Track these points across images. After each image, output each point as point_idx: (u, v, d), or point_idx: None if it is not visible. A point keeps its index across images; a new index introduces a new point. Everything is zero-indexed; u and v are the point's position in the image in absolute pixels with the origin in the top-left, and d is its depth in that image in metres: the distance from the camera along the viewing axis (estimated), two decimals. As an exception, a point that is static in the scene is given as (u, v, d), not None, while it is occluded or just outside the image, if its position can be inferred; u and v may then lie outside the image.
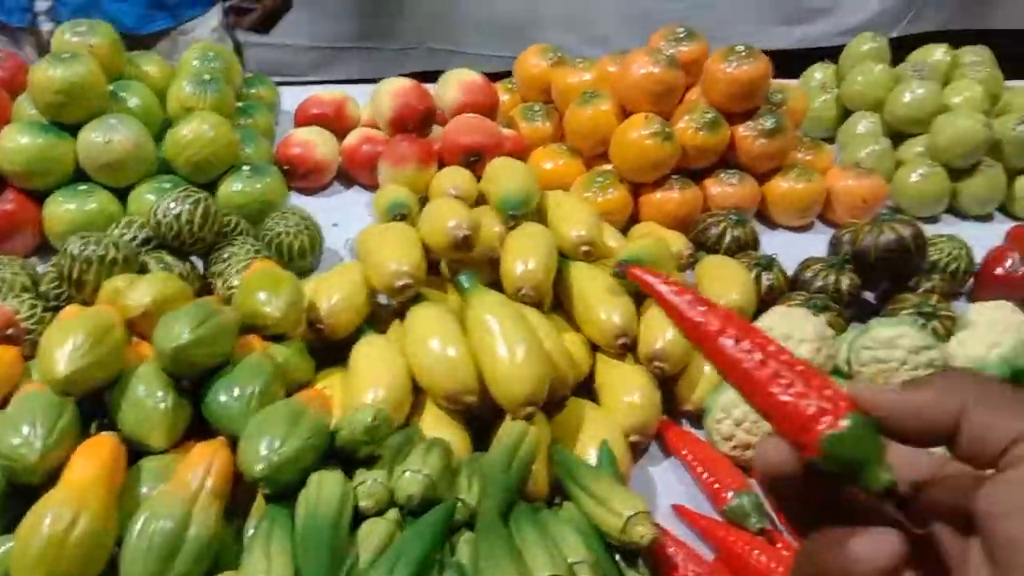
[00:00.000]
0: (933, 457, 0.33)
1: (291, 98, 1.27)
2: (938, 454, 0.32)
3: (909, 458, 0.32)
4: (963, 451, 0.29)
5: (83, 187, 0.96)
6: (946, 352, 0.77)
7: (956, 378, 0.31)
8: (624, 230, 1.03)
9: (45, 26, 1.43)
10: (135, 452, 0.62)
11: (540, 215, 0.94)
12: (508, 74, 1.28)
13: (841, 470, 0.30)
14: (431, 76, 1.22)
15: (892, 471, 0.30)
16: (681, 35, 1.11)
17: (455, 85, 1.14)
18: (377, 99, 1.13)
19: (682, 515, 0.72)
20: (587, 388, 0.82)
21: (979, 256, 1.01)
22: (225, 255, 0.89)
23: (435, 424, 0.72)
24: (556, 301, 0.88)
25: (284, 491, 0.58)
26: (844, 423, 0.30)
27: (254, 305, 0.73)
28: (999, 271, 0.98)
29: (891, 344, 0.75)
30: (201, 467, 0.58)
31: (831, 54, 1.39)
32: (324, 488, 0.57)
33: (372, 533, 0.56)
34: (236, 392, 0.63)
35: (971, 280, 1.01)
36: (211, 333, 0.64)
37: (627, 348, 0.82)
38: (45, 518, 0.52)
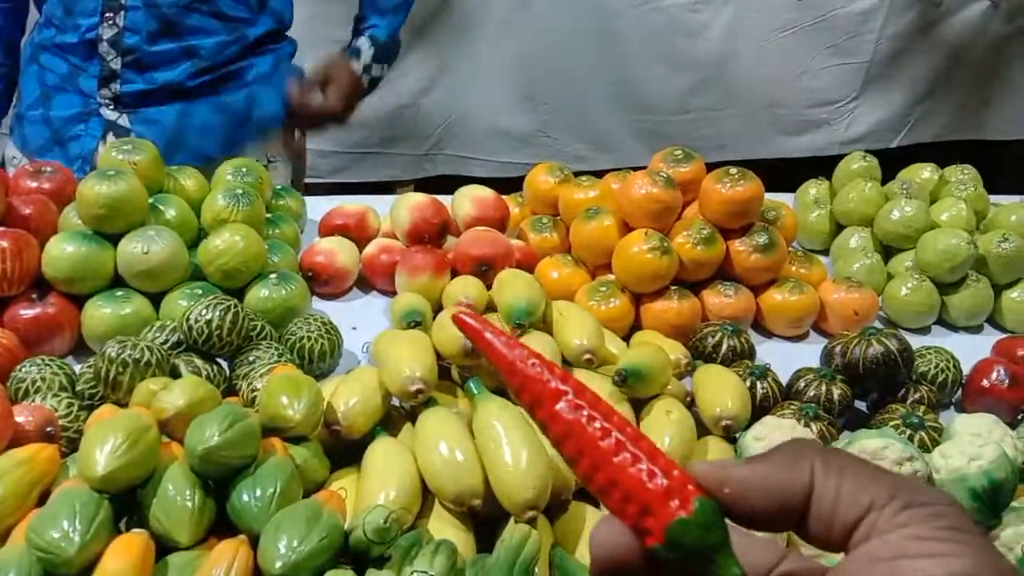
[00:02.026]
0: (773, 548, 0.32)
1: (315, 207, 1.35)
2: (777, 546, 0.32)
3: (749, 550, 0.30)
4: (813, 528, 0.28)
5: (120, 292, 1.03)
6: (929, 463, 0.81)
7: (801, 444, 0.29)
8: (626, 338, 1.09)
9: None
10: (162, 547, 0.67)
11: (546, 323, 1.00)
12: (521, 179, 1.36)
13: (685, 560, 0.27)
14: (447, 180, 1.29)
15: (740, 563, 0.28)
16: (679, 156, 1.20)
17: (468, 200, 1.23)
18: (395, 212, 1.21)
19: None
20: (590, 492, 0.86)
21: (968, 367, 1.06)
22: (250, 358, 0.95)
23: (442, 525, 0.76)
24: (560, 407, 0.93)
25: (300, 589, 0.62)
26: (693, 506, 0.27)
27: (276, 408, 0.78)
28: (985, 383, 1.03)
29: (876, 456, 0.79)
30: (224, 564, 0.62)
31: (830, 164, 1.47)
32: (338, 586, 0.61)
33: (382, 631, 0.59)
34: (258, 492, 0.68)
35: (959, 391, 1.06)
36: (238, 436, 0.70)
37: (626, 454, 0.86)
38: (80, 610, 0.57)
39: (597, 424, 0.29)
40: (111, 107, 1.40)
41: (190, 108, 1.44)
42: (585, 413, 0.29)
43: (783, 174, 1.62)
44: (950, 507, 0.27)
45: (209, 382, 0.86)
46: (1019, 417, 1.01)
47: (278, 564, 0.61)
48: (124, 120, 1.41)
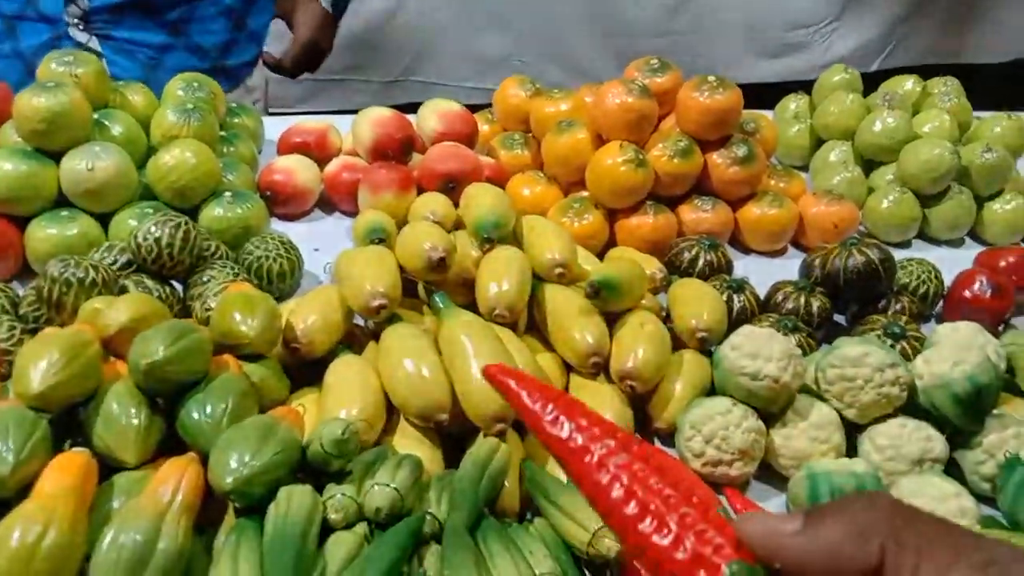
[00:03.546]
0: None
1: (274, 128, 1.29)
2: None
3: None
4: None
5: (65, 213, 0.98)
6: (912, 371, 0.79)
7: (873, 514, 0.26)
8: (600, 255, 1.05)
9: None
10: (108, 469, 0.63)
11: (516, 240, 0.95)
12: (490, 105, 1.31)
13: None
14: (415, 108, 1.24)
15: None
16: (655, 66, 1.14)
17: (434, 115, 1.17)
18: (357, 128, 1.15)
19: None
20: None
21: (949, 280, 1.03)
22: (204, 278, 0.90)
23: (408, 442, 0.73)
24: (531, 322, 0.90)
25: (254, 505, 0.59)
26: (729, 569, 0.26)
27: (229, 325, 0.74)
28: (967, 293, 1.00)
29: (857, 362, 0.77)
30: (171, 482, 0.58)
31: (809, 88, 1.42)
32: (293, 501, 0.57)
33: (339, 546, 0.56)
34: (208, 409, 0.64)
35: (940, 303, 1.03)
36: (185, 350, 0.65)
37: (600, 367, 0.83)
38: (14, 530, 0.53)
39: (623, 484, 0.28)
40: (80, 27, 1.34)
41: (164, 53, 1.38)
42: (608, 475, 0.28)
43: (762, 101, 1.57)
44: None
45: (160, 302, 0.81)
46: (1001, 327, 0.99)
47: (229, 479, 0.57)
48: (95, 43, 1.35)
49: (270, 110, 1.69)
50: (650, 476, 0.28)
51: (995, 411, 0.79)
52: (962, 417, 0.76)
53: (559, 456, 0.29)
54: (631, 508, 0.27)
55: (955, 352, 0.78)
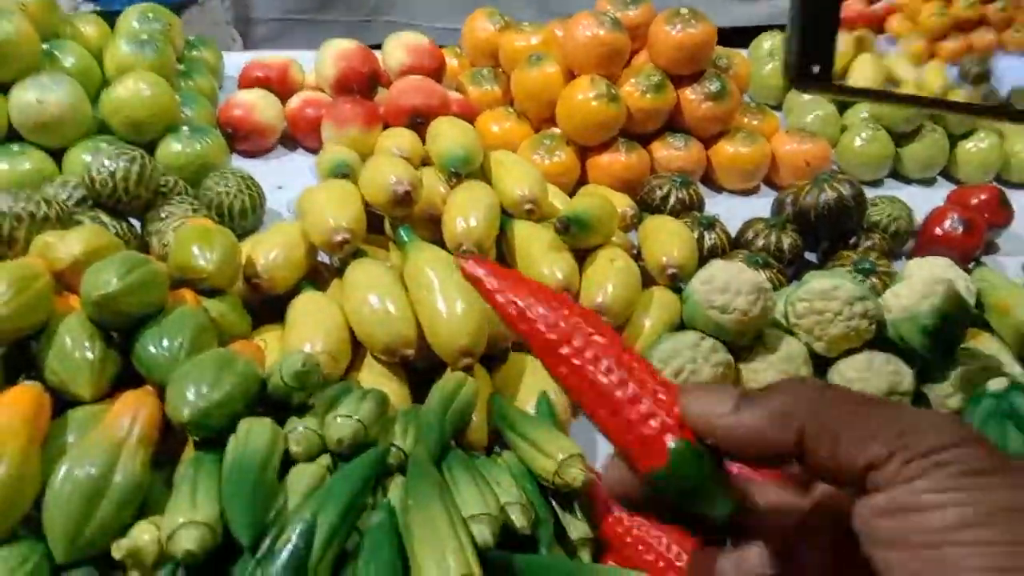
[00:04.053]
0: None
1: (235, 65, 1.24)
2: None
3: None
4: (812, 470, 0.27)
5: (16, 147, 0.94)
6: (881, 304, 0.78)
7: (793, 397, 0.27)
8: (571, 193, 1.04)
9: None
10: (63, 405, 0.61)
11: (484, 176, 0.93)
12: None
13: (676, 497, 0.28)
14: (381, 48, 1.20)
15: (731, 497, 0.29)
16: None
17: (400, 48, 1.13)
18: (321, 62, 1.12)
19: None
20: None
21: (922, 219, 1.03)
22: (162, 214, 0.87)
23: (374, 378, 0.72)
24: (500, 259, 0.88)
25: (213, 438, 0.57)
26: (667, 453, 0.28)
27: (187, 259, 0.72)
28: (938, 231, 1.00)
29: (827, 296, 0.76)
30: (128, 415, 0.56)
31: (783, 27, 1.40)
32: (253, 433, 0.56)
33: (301, 478, 0.55)
34: (164, 342, 0.62)
35: (911, 241, 1.03)
36: (140, 282, 0.63)
37: (569, 303, 0.82)
38: (-39, 464, 0.51)
39: (603, 365, 0.30)
40: None
41: None
42: (589, 354, 0.30)
43: (736, 45, 1.54)
44: (961, 450, 0.25)
45: (116, 236, 0.79)
46: (971, 264, 0.99)
47: (186, 411, 0.55)
48: None
49: (232, 52, 1.63)
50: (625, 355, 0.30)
51: (963, 345, 0.79)
52: (930, 350, 0.76)
53: (534, 343, 0.31)
54: (608, 380, 0.29)
55: (924, 286, 0.77)
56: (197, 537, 0.48)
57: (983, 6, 0.63)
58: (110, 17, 1.12)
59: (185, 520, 0.49)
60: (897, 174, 1.21)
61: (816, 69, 0.50)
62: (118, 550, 0.50)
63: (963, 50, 0.65)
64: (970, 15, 0.66)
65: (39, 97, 0.92)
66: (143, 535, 0.51)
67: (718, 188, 1.15)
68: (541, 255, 0.83)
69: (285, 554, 0.46)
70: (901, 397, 0.75)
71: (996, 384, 0.72)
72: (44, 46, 0.99)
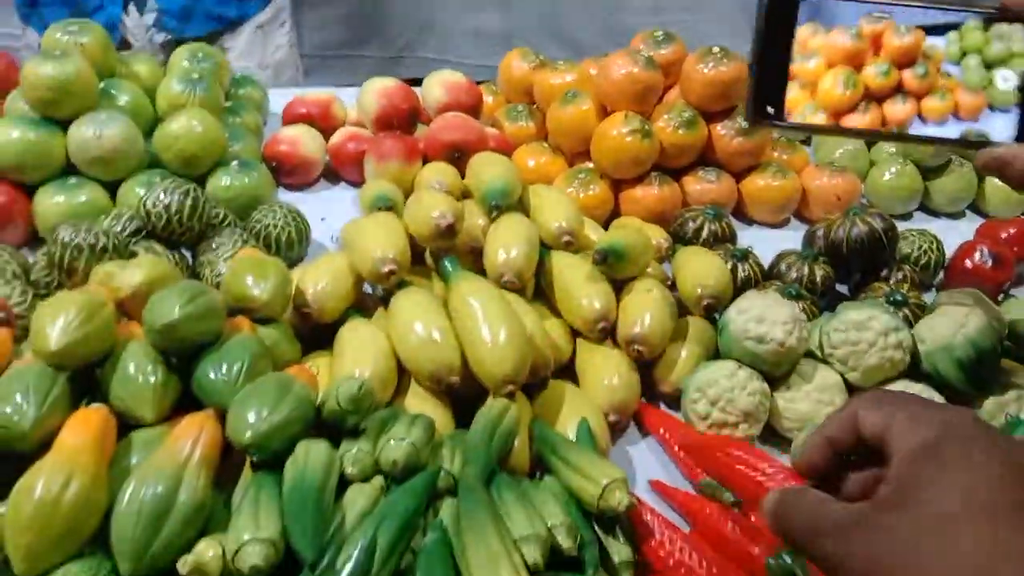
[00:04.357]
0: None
1: (278, 101, 1.29)
2: None
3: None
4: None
5: (73, 181, 0.98)
6: (915, 334, 0.80)
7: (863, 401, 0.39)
8: (605, 225, 1.06)
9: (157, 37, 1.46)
10: (126, 427, 0.64)
11: (523, 208, 0.96)
12: (492, 81, 1.31)
13: None
14: (418, 84, 1.24)
15: None
16: (660, 38, 1.15)
17: (439, 86, 1.17)
18: (363, 99, 1.16)
19: (658, 490, 0.74)
20: (569, 373, 0.84)
21: (950, 252, 1.04)
22: (213, 245, 0.90)
23: (419, 404, 0.74)
24: (539, 290, 0.91)
25: (272, 461, 0.60)
26: None
27: (241, 288, 0.75)
28: (968, 263, 1.01)
29: (862, 326, 0.78)
30: (190, 436, 0.59)
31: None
32: (311, 454, 0.58)
33: (357, 497, 0.57)
34: (224, 368, 0.65)
35: (941, 273, 1.04)
36: (200, 310, 0.66)
37: (607, 333, 0.84)
38: (37, 482, 0.54)
39: None
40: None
41: None
42: None
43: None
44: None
45: (173, 266, 0.82)
46: (1000, 297, 1.00)
47: (248, 434, 0.58)
48: None
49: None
50: None
51: (995, 375, 0.80)
52: (964, 381, 0.77)
53: None
54: None
55: (957, 318, 0.79)
56: (262, 553, 0.50)
57: (899, 72, 0.66)
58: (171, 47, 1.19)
59: (250, 537, 0.51)
60: (926, 208, 1.22)
61: (771, 110, 0.64)
62: (184, 565, 0.52)
63: (876, 125, 0.69)
64: (883, 85, 0.68)
65: (96, 132, 0.97)
66: (208, 551, 0.53)
67: (748, 221, 1.17)
68: (579, 286, 0.85)
69: (347, 571, 0.48)
70: (936, 427, 0.76)
71: (1030, 414, 0.73)
72: (100, 85, 1.04)
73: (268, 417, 0.59)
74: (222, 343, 0.68)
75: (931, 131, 0.68)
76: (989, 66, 0.68)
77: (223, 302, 0.72)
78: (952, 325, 0.78)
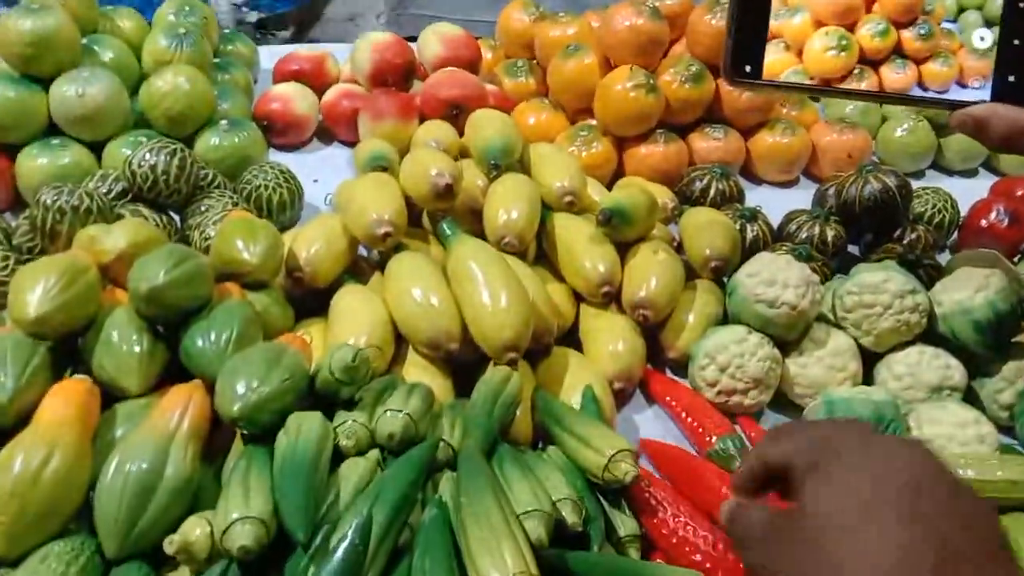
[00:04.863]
0: None
1: (270, 58, 1.24)
2: None
3: None
4: None
5: (56, 141, 0.94)
6: (931, 297, 0.77)
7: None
8: (609, 185, 1.03)
9: None
10: (110, 398, 0.61)
11: (524, 168, 0.93)
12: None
13: None
14: (414, 40, 1.19)
15: None
16: (665, -12, 1.10)
17: (436, 40, 1.13)
18: (356, 54, 1.11)
19: (649, 449, 0.71)
20: (572, 339, 0.81)
21: (964, 211, 1.01)
22: (202, 207, 0.87)
23: (417, 372, 0.71)
24: (541, 253, 0.87)
25: (262, 433, 0.57)
26: None
27: (231, 252, 0.72)
28: (983, 222, 0.98)
29: (877, 289, 0.75)
30: (177, 408, 0.57)
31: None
32: (303, 427, 0.55)
33: (352, 472, 0.55)
34: (212, 335, 0.62)
35: (956, 233, 1.01)
36: (187, 275, 0.63)
37: (611, 297, 0.81)
38: (18, 456, 0.51)
39: None
40: None
41: None
42: None
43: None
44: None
45: (159, 229, 0.79)
46: (1017, 257, 0.97)
47: (236, 406, 0.55)
48: None
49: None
50: None
51: (1014, 338, 0.77)
52: (982, 345, 0.74)
53: None
54: None
55: (976, 278, 0.76)
56: (252, 533, 0.48)
57: (897, 32, 0.62)
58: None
59: (239, 516, 0.49)
60: (938, 165, 1.18)
61: (748, 69, 0.61)
62: (170, 545, 0.50)
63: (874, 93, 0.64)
64: (880, 48, 0.63)
65: (79, 91, 0.93)
66: (195, 530, 0.50)
67: (757, 180, 1.13)
68: (583, 249, 0.82)
69: (341, 551, 0.46)
70: (951, 392, 0.73)
71: (1051, 379, 0.71)
72: (83, 40, 0.99)
73: (258, 388, 0.56)
74: (210, 310, 0.65)
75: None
76: (990, 24, 0.64)
77: (211, 267, 0.69)
78: (971, 287, 0.75)
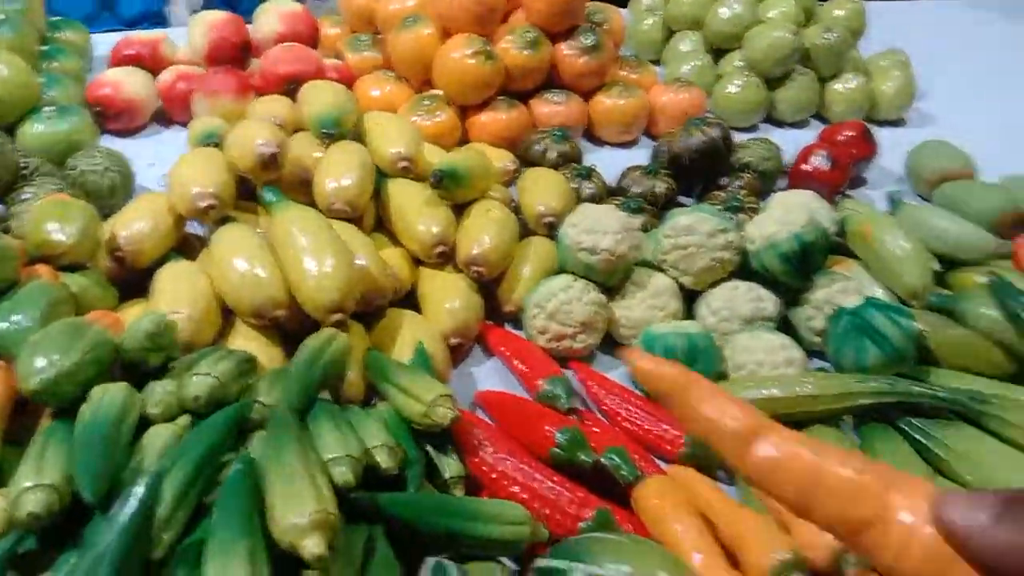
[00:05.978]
0: None
1: (105, 46, 1.20)
2: None
3: None
4: None
5: None
6: (744, 235, 0.81)
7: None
8: (454, 153, 1.04)
9: None
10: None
11: (361, 138, 0.93)
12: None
13: None
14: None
15: None
16: (499, -43, 1.11)
17: (273, 15, 1.12)
18: (191, 34, 1.09)
19: (483, 399, 0.74)
20: (413, 304, 0.82)
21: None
22: (24, 195, 0.84)
23: (245, 342, 0.71)
24: (378, 219, 0.88)
25: (69, 408, 0.56)
26: None
27: (43, 234, 0.70)
28: (806, 167, 1.04)
29: (689, 230, 0.79)
30: (-25, 390, 0.55)
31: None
32: (106, 397, 0.55)
33: (157, 437, 0.54)
34: (15, 316, 0.60)
35: (784, 180, 1.07)
36: (-17, 257, 0.61)
37: (446, 258, 0.82)
38: None
39: None
40: None
41: None
42: None
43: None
44: None
45: (-31, 219, 0.76)
46: (838, 198, 1.03)
47: (35, 380, 0.54)
48: None
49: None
50: None
51: (825, 270, 0.82)
52: (789, 274, 0.79)
53: None
54: None
55: (783, 215, 0.80)
56: (43, 500, 0.47)
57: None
58: None
59: (30, 484, 0.48)
60: (772, 119, 1.24)
61: None
62: (-35, 522, 0.49)
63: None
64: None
65: None
66: (-9, 506, 0.49)
67: (600, 142, 1.17)
68: (417, 212, 0.83)
69: (128, 507, 0.46)
70: (765, 322, 0.78)
71: (852, 302, 0.76)
72: None
73: (58, 362, 0.55)
74: (15, 291, 0.63)
75: None
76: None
77: (20, 249, 0.67)
78: (777, 223, 0.79)
